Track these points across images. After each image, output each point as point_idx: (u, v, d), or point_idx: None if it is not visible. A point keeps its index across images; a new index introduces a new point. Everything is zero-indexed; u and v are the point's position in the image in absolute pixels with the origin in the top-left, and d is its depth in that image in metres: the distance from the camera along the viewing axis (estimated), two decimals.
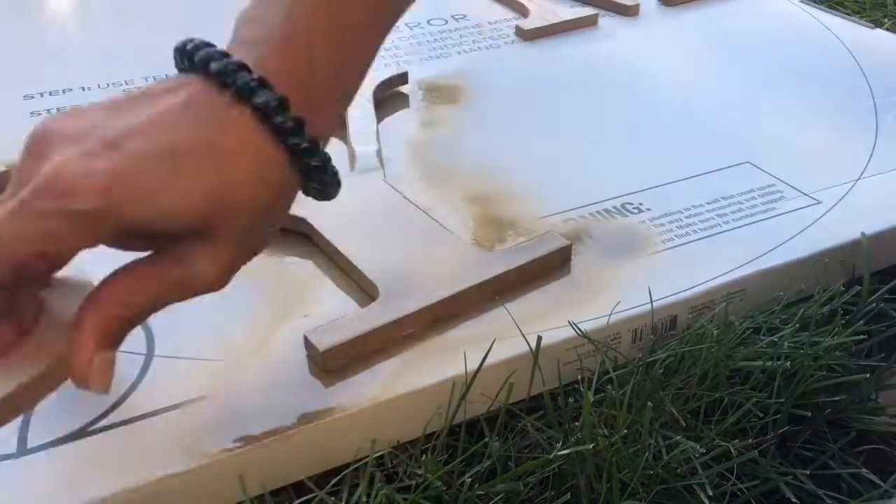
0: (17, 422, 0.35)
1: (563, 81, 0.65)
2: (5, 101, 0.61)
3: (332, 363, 0.37)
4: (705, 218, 0.49)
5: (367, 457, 0.34)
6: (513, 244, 0.46)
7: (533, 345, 0.38)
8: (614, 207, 0.50)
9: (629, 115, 0.61)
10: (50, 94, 0.62)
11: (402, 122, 0.59)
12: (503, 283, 0.42)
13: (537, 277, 0.43)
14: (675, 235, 0.48)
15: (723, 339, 0.40)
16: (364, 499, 0.33)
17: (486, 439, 0.36)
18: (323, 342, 0.37)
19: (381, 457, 0.36)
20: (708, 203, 0.50)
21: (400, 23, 0.78)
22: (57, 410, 0.35)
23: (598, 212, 0.50)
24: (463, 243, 0.45)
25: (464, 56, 0.69)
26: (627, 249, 0.46)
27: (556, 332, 0.40)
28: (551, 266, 0.44)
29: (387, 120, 0.59)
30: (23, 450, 0.34)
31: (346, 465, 0.35)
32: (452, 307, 0.41)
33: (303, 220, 0.46)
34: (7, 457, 0.33)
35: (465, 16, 0.76)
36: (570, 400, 0.39)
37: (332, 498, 0.33)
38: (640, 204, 0.51)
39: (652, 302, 0.42)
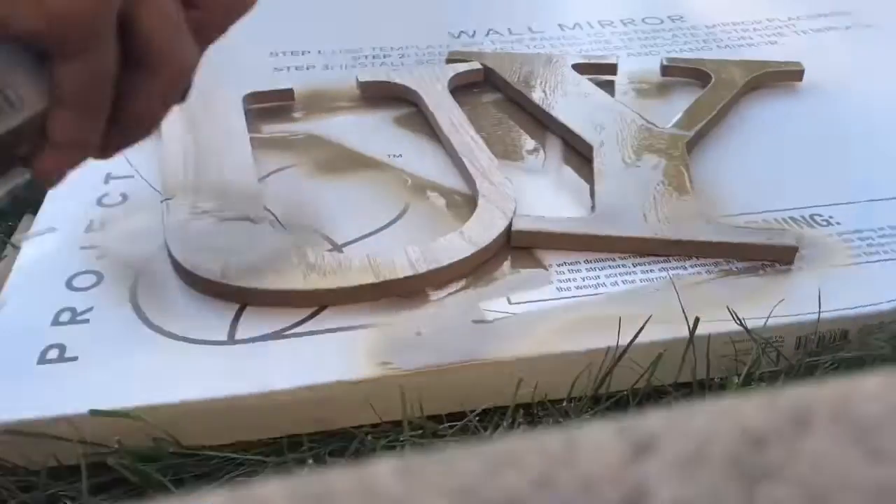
0: (230, 316, 0.41)
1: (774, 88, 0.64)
2: (253, 56, 0.70)
3: (517, 241, 0.46)
4: None
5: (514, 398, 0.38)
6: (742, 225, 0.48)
7: (692, 328, 0.40)
8: (802, 217, 0.50)
9: (837, 123, 0.59)
10: (291, 53, 0.70)
11: None
12: (705, 251, 0.46)
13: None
14: (864, 253, 0.46)
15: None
16: (506, 429, 0.36)
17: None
18: (518, 224, 0.46)
19: (529, 405, 0.39)
20: None
21: (614, 17, 0.80)
22: (262, 315, 0.42)
23: (783, 218, 0.50)
24: (700, 203, 0.49)
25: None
26: (808, 259, 0.46)
27: (716, 323, 0.41)
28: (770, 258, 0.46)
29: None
30: (231, 340, 0.40)
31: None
32: (640, 246, 0.46)
33: None
34: (219, 343, 0.40)
35: (681, 17, 0.77)
36: (720, 389, 0.40)
37: (481, 423, 0.37)
38: (831, 217, 0.50)
39: (820, 311, 0.41)
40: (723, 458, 0.11)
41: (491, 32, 0.75)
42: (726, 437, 0.12)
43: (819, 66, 0.67)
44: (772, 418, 0.12)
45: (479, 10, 0.79)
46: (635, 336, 0.39)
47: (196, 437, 0.37)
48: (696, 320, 0.40)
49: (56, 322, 0.41)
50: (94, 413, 0.36)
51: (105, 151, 0.29)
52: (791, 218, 0.50)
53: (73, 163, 0.28)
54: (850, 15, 0.77)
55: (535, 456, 0.12)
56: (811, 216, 0.50)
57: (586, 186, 0.52)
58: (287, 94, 0.61)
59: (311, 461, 0.36)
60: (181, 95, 0.30)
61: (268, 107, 0.61)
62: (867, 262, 0.46)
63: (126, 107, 0.27)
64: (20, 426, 0.35)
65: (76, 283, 0.44)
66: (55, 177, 0.28)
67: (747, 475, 0.11)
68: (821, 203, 0.51)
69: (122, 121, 0.27)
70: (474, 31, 0.75)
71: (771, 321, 0.41)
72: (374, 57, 0.70)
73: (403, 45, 0.72)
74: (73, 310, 0.42)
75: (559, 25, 0.76)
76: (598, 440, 0.12)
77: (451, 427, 0.38)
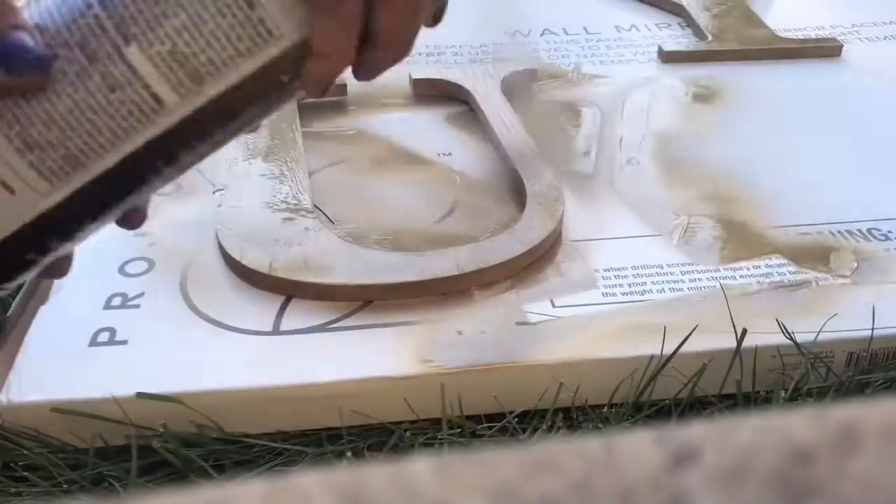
0: (276, 308, 0.42)
1: (830, 94, 0.63)
2: None
3: None
4: None
5: (554, 402, 0.37)
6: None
7: (740, 339, 0.39)
8: (858, 231, 0.48)
9: (871, 141, 0.57)
10: None
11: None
12: None
13: None
14: None
15: None
16: (545, 432, 0.36)
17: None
18: None
19: (568, 409, 0.39)
20: None
21: (672, 20, 0.78)
22: (307, 308, 0.42)
23: (839, 231, 0.48)
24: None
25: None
26: (863, 274, 0.45)
27: (764, 335, 0.40)
28: None
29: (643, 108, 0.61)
30: (276, 331, 0.41)
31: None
32: None
33: None
34: (264, 333, 0.40)
35: None
36: (765, 403, 0.39)
37: (519, 425, 0.37)
38: (889, 232, 0.48)
39: (874, 328, 0.40)
40: (767, 472, 0.11)
41: (546, 32, 0.74)
42: (771, 451, 0.11)
43: (888, 75, 0.65)
44: (820, 434, 0.12)
45: (535, 11, 0.79)
46: (680, 345, 0.39)
47: (238, 424, 0.37)
48: (744, 332, 0.39)
49: (108, 306, 0.42)
50: (140, 396, 0.36)
51: (363, 72, 0.31)
52: (847, 231, 0.48)
53: (336, 72, 0.30)
54: None
55: (574, 460, 0.12)
56: (868, 230, 0.48)
57: (636, 191, 0.52)
58: (340, 89, 0.61)
59: (349, 454, 0.36)
60: (431, 17, 0.31)
61: (320, 102, 0.61)
62: None
63: (374, 25, 0.29)
64: (69, 405, 0.36)
65: (129, 269, 0.45)
66: (323, 85, 0.30)
67: (791, 491, 0.11)
68: (879, 217, 0.49)
69: (373, 40, 0.29)
70: (529, 31, 0.75)
71: (822, 336, 0.40)
72: (427, 54, 0.70)
73: (457, 43, 0.72)
74: (124, 295, 0.43)
75: (615, 27, 0.75)
76: (639, 447, 0.12)
77: (489, 427, 0.38)
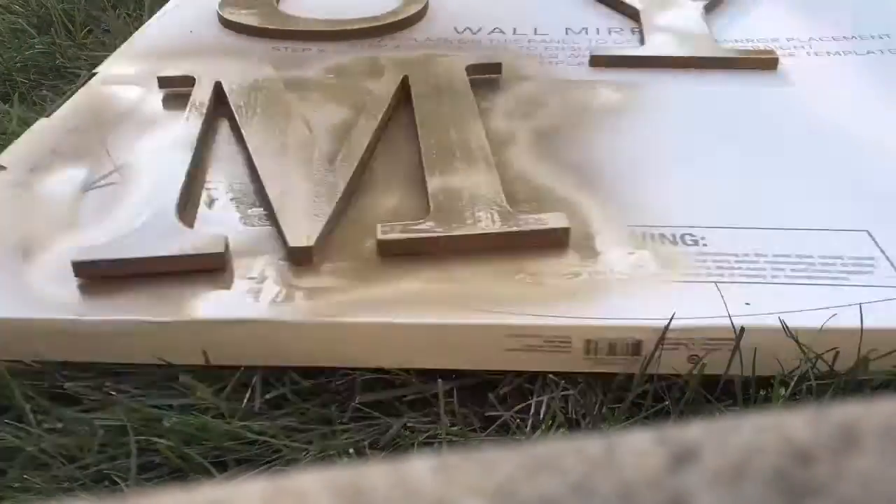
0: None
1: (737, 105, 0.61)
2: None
3: (385, 251, 0.45)
4: (759, 267, 0.44)
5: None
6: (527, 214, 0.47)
7: (739, 338, 0.39)
8: (672, 235, 0.47)
9: (760, 153, 0.55)
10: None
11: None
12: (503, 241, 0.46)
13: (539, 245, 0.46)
14: (715, 274, 0.43)
15: None
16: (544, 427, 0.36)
17: (667, 402, 0.38)
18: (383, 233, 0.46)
19: (566, 403, 0.39)
20: (775, 256, 0.45)
21: (624, 25, 0.75)
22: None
23: (653, 235, 0.47)
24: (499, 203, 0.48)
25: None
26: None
27: (765, 335, 0.40)
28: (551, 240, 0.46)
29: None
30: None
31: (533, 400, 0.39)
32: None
33: None
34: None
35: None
36: (762, 393, 0.39)
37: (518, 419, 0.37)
38: (703, 238, 0.47)
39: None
40: (767, 472, 0.11)
41: (495, 31, 0.74)
42: (771, 451, 0.11)
43: (811, 88, 0.64)
44: (820, 434, 0.12)
45: (488, 8, 0.79)
46: (664, 335, 0.39)
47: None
48: (741, 330, 0.39)
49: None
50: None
51: None
52: (661, 234, 0.47)
53: None
54: (878, 40, 0.72)
55: (574, 460, 0.12)
56: (682, 235, 0.47)
57: None
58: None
59: (351, 451, 0.37)
60: None
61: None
62: (706, 281, 0.43)
63: None
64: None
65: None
66: None
67: (792, 491, 0.11)
68: (697, 224, 0.48)
69: None
70: (479, 28, 0.75)
71: (821, 335, 0.40)
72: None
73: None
74: None
75: (566, 29, 0.75)
76: (639, 447, 0.12)
77: (489, 424, 0.38)
